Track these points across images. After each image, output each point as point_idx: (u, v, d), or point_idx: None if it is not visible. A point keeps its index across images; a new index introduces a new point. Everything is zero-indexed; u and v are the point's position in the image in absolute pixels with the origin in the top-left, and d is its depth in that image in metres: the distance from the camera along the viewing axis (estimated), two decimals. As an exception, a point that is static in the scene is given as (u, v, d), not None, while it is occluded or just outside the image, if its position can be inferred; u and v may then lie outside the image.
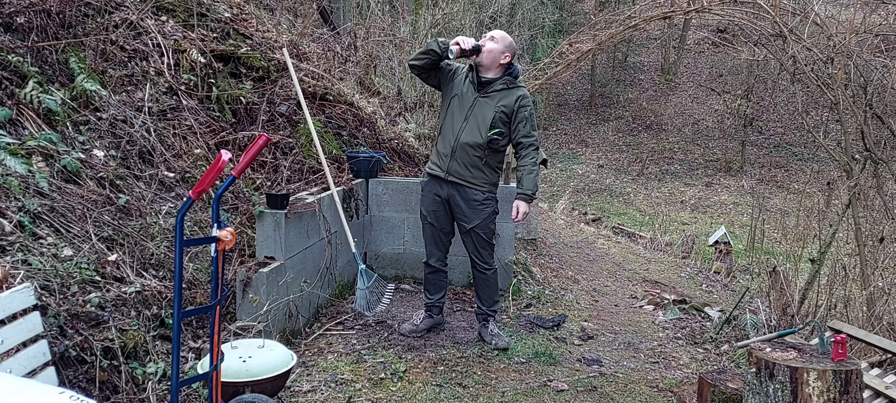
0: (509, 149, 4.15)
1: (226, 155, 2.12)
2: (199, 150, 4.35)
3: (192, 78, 4.68)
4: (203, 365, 2.83)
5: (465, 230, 4.03)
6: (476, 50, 3.85)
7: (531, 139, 3.94)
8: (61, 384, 2.50)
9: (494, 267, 4.15)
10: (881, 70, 5.81)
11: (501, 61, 3.90)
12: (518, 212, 3.93)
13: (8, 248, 2.82)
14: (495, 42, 3.89)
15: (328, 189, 4.51)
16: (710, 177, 19.68)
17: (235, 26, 5.55)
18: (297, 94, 4.87)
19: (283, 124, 5.09)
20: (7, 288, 2.44)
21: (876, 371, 3.75)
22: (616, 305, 5.83)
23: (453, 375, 3.70)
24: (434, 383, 3.58)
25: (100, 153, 3.71)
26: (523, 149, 3.95)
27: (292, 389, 3.33)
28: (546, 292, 5.56)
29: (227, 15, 5.58)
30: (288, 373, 2.98)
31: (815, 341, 3.43)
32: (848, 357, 2.90)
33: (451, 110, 3.97)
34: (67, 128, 3.67)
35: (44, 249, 2.94)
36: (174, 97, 4.49)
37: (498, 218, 4.20)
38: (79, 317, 2.78)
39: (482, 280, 4.14)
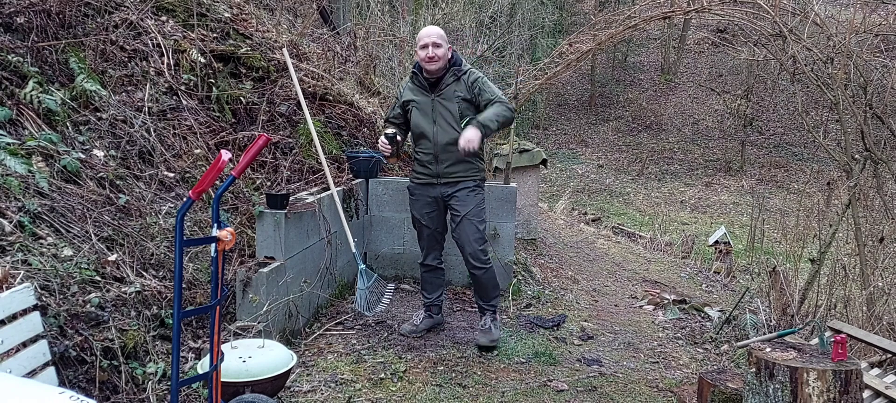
0: (507, 148, 4.15)
1: (226, 155, 2.12)
2: (199, 150, 4.35)
3: (192, 78, 4.68)
4: (203, 365, 2.83)
5: (458, 219, 4.01)
6: (391, 142, 4.00)
7: (498, 95, 3.94)
8: (61, 384, 2.50)
9: (490, 265, 4.08)
10: (881, 70, 5.82)
11: (448, 57, 3.98)
12: (465, 140, 3.77)
13: (8, 248, 2.82)
14: (440, 47, 3.91)
15: (328, 189, 4.51)
16: (710, 177, 19.68)
17: (235, 26, 5.54)
18: (297, 94, 4.87)
19: (283, 124, 5.09)
20: (7, 288, 2.45)
21: (876, 371, 3.75)
22: (616, 305, 5.83)
23: (453, 375, 3.70)
24: (434, 383, 3.58)
25: (100, 153, 3.70)
26: (492, 104, 3.89)
27: (292, 389, 3.33)
28: (546, 292, 5.56)
29: (227, 15, 5.58)
30: (288, 373, 2.98)
31: (815, 341, 3.44)
32: (848, 357, 2.90)
33: (415, 121, 4.06)
34: (67, 128, 3.67)
35: (44, 249, 2.94)
36: (174, 97, 4.49)
37: (498, 217, 4.21)
38: (79, 317, 2.78)
39: (481, 278, 4.07)
